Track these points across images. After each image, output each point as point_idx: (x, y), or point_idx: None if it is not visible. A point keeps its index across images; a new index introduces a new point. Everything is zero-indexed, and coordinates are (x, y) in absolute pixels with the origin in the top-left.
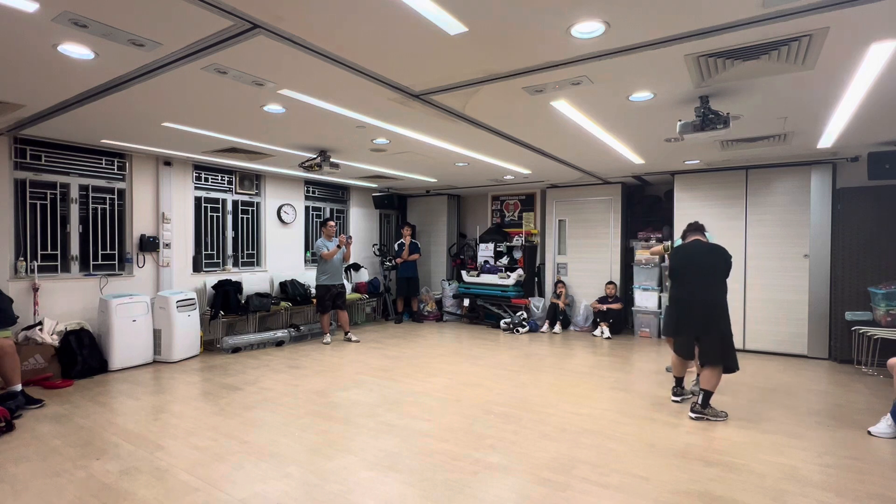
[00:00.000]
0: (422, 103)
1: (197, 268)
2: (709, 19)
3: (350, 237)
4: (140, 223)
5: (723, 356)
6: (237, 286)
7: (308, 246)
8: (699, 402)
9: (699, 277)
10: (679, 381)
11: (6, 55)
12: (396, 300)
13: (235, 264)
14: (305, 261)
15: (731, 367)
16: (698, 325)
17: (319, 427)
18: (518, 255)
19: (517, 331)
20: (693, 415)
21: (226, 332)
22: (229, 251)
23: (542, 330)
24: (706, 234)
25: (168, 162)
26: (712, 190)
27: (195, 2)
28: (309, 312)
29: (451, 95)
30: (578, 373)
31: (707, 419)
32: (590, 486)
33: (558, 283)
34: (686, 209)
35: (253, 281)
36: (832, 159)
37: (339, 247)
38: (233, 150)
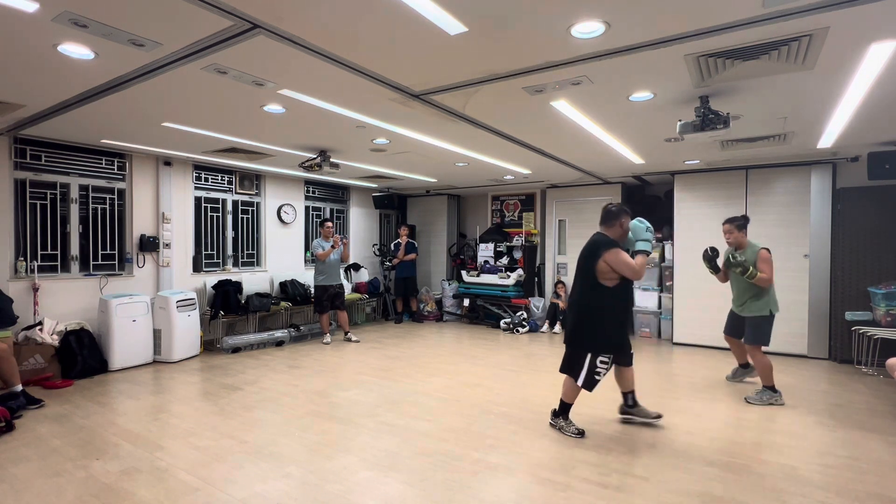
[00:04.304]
0: (422, 103)
1: (197, 268)
2: (709, 19)
3: (344, 238)
4: (140, 223)
5: (567, 362)
6: (237, 286)
7: (308, 246)
8: (557, 407)
9: (575, 275)
10: (626, 396)
11: (6, 55)
12: (396, 300)
13: (235, 264)
14: (305, 261)
15: (570, 372)
16: (566, 334)
17: (319, 427)
18: (518, 255)
19: (517, 331)
20: (550, 421)
21: (226, 332)
22: (229, 251)
23: (542, 330)
24: (609, 222)
25: (168, 162)
26: (712, 190)
27: (195, 2)
28: (309, 312)
29: (451, 95)
30: None
31: (558, 430)
32: (590, 486)
33: (558, 283)
34: (686, 209)
35: (253, 281)
36: (832, 159)
37: (333, 247)
38: (233, 150)
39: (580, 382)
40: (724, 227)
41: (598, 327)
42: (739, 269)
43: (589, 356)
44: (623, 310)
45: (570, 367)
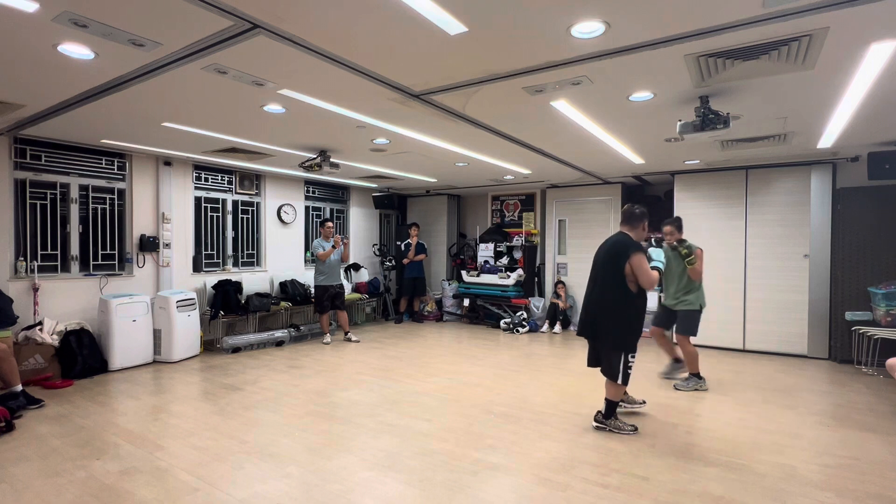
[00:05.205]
0: (422, 103)
1: (197, 268)
2: (709, 19)
3: (345, 238)
4: (140, 223)
5: (602, 361)
6: (237, 286)
7: (308, 246)
8: (603, 410)
9: (593, 274)
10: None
11: (6, 55)
12: (399, 300)
13: (235, 264)
14: (305, 261)
15: (610, 375)
16: (587, 328)
17: (319, 427)
18: (518, 255)
19: (517, 331)
20: (595, 424)
21: (226, 332)
22: (229, 251)
23: (542, 330)
24: (633, 223)
25: (168, 162)
26: (712, 190)
27: (195, 2)
28: (309, 312)
29: (451, 95)
30: (578, 373)
31: (609, 431)
32: (590, 486)
33: (558, 283)
34: (686, 209)
35: (253, 281)
36: (832, 159)
37: (333, 247)
38: (233, 150)
39: (620, 381)
40: (666, 228)
41: (628, 326)
42: (685, 250)
43: (622, 355)
44: (643, 311)
45: (607, 368)
